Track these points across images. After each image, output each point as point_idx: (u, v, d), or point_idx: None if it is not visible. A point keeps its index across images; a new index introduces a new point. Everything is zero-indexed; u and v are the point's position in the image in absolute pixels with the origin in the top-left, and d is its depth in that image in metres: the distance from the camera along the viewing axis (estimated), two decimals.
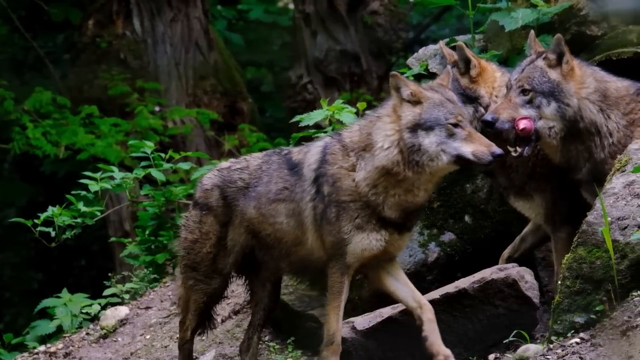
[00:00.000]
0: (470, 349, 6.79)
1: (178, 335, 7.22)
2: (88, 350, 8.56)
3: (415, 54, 8.19)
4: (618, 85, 6.83)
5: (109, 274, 9.50)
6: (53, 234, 9.01)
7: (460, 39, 7.76)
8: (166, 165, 9.38)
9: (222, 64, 15.11)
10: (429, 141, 6.35)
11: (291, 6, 18.17)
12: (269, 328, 7.70)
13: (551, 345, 6.13)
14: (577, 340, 6.04)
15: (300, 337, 7.60)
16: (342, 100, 8.36)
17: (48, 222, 9.02)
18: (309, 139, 7.69)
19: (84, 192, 9.18)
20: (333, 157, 6.56)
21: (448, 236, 7.71)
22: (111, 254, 14.07)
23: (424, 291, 6.74)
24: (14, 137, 13.43)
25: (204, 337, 7.77)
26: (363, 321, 6.93)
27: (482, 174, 7.50)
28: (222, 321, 8.09)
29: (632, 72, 6.97)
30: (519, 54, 7.55)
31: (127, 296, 9.18)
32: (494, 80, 7.07)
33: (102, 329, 8.74)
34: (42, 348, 8.80)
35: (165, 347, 8.18)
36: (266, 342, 7.68)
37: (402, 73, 7.17)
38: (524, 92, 6.72)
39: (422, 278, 7.53)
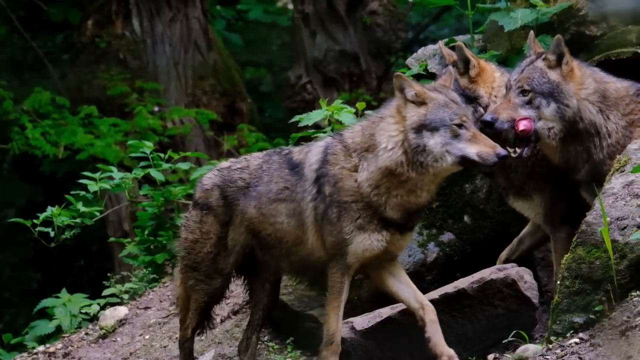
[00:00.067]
0: (469, 349, 6.79)
1: (178, 335, 7.21)
2: (87, 351, 8.56)
3: (415, 54, 8.19)
4: (617, 86, 6.83)
5: (108, 274, 9.48)
6: (52, 234, 9.00)
7: (460, 39, 7.76)
8: (165, 166, 9.38)
9: (221, 64, 15.10)
10: (434, 142, 6.34)
11: (290, 6, 18.17)
12: (268, 328, 7.69)
13: (550, 346, 6.13)
14: (576, 340, 6.04)
15: (299, 337, 7.59)
16: (341, 100, 8.36)
17: (47, 222, 9.01)
18: (308, 139, 7.69)
19: (83, 192, 9.18)
20: (335, 158, 6.56)
21: (447, 236, 7.70)
22: (110, 254, 14.06)
23: (423, 291, 6.72)
24: (13, 137, 13.41)
25: (202, 337, 7.77)
26: (362, 321, 6.92)
27: (481, 174, 7.49)
28: (221, 321, 8.09)
29: (631, 72, 6.96)
30: (518, 54, 7.55)
31: (126, 296, 9.17)
32: (493, 80, 7.06)
33: (101, 329, 8.73)
34: (41, 348, 8.80)
35: (165, 347, 8.18)
36: (265, 342, 7.67)
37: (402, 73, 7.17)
38: (523, 92, 6.72)
39: (421, 278, 7.53)
